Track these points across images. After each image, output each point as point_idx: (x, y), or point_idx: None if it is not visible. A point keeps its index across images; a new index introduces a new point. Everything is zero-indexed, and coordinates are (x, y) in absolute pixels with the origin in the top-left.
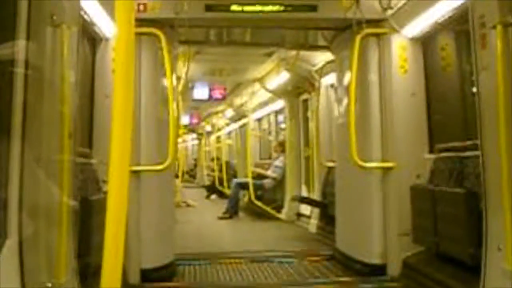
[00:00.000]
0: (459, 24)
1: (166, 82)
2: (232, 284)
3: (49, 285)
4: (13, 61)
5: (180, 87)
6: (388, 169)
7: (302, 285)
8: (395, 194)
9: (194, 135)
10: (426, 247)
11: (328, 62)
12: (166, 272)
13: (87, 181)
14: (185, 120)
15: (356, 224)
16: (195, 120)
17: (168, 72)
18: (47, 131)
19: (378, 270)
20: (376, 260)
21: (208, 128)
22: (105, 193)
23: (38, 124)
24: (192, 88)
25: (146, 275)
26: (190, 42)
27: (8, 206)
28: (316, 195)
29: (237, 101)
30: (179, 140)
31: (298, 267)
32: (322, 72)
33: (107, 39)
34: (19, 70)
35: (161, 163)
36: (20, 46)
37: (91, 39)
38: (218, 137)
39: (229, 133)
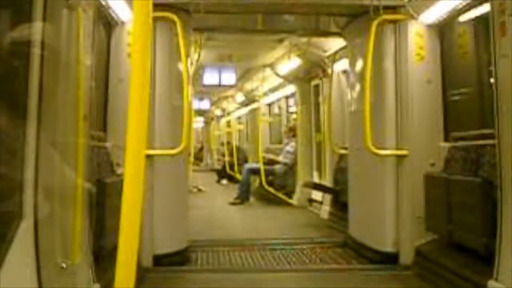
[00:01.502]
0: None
1: (180, 67)
2: (244, 269)
3: (64, 265)
4: (29, 42)
5: (191, 73)
6: (402, 156)
7: (314, 272)
8: (409, 182)
9: (200, 118)
10: (439, 235)
11: (341, 48)
12: (179, 258)
13: (101, 164)
14: (194, 104)
15: (369, 212)
16: (205, 105)
17: (183, 58)
18: (62, 113)
19: (391, 258)
20: (388, 248)
21: (219, 112)
22: (119, 175)
23: (53, 106)
24: (203, 73)
25: (159, 261)
26: (202, 29)
27: (24, 187)
28: (327, 181)
29: (248, 86)
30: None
31: (311, 253)
32: (334, 58)
33: (122, 23)
34: (35, 52)
35: (174, 148)
36: (36, 28)
37: (106, 23)
38: (229, 122)
39: (240, 117)
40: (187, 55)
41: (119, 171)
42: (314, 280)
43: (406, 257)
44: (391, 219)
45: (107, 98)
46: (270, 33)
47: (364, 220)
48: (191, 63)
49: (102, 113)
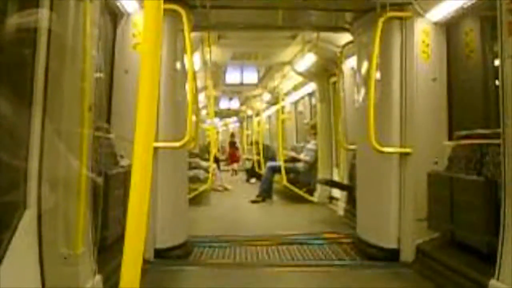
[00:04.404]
0: (485, 10)
1: (186, 62)
2: (246, 264)
3: (66, 256)
4: (36, 31)
5: (208, 73)
6: (406, 154)
7: (316, 267)
8: (412, 180)
9: (233, 118)
10: (441, 233)
11: (347, 43)
12: (180, 252)
13: (105, 155)
14: (224, 104)
15: (373, 209)
16: (235, 104)
17: (188, 52)
18: (68, 103)
19: (392, 255)
20: (390, 245)
21: (249, 112)
22: (123, 167)
23: (59, 96)
24: (224, 72)
25: (160, 254)
26: (211, 26)
27: (28, 177)
28: (345, 178)
29: (271, 84)
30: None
31: (316, 249)
32: (345, 53)
33: (128, 15)
34: (42, 41)
35: (178, 141)
36: (43, 16)
37: (112, 14)
38: (259, 121)
39: (269, 116)
40: (192, 49)
41: (122, 162)
42: (315, 275)
43: (407, 255)
44: (394, 216)
45: (112, 89)
46: (279, 29)
47: (369, 216)
48: (206, 63)
49: (107, 104)
